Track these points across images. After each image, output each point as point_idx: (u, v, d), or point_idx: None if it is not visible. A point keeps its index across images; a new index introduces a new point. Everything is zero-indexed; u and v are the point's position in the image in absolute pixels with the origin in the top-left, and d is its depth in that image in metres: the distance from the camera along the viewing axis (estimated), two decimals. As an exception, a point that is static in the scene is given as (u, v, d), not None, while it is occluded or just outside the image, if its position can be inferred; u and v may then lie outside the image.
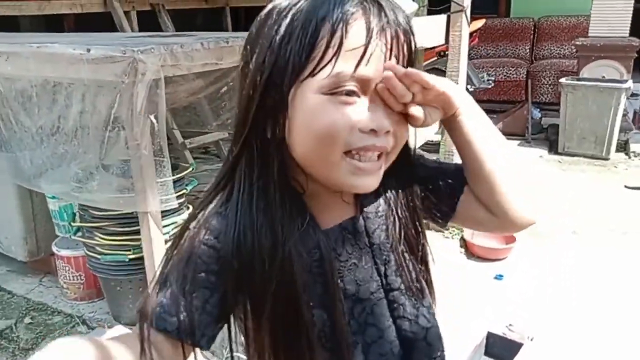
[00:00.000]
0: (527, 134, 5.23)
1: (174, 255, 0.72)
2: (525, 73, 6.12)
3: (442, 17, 2.95)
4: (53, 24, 4.52)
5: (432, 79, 0.70)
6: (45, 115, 2.20)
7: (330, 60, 0.65)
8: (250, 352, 0.75)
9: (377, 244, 0.79)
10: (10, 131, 2.31)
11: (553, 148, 4.95)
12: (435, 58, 4.27)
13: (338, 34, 0.65)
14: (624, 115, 4.83)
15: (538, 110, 5.64)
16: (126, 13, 4.39)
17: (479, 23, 4.57)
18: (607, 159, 4.66)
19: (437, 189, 0.83)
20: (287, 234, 0.70)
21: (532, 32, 6.69)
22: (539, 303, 2.56)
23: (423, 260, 0.83)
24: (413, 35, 0.71)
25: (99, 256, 2.31)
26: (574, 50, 5.17)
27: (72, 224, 2.47)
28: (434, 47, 3.65)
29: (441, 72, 3.66)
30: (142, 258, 2.15)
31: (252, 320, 0.73)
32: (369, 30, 0.66)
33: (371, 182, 0.72)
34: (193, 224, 0.74)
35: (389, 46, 0.67)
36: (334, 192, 0.76)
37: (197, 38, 2.22)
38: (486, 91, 5.06)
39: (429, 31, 2.83)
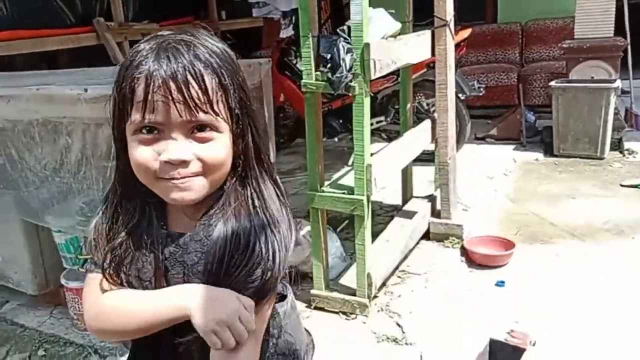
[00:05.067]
0: (522, 138, 5.29)
1: None
2: (516, 77, 6.19)
3: (427, 32, 3.02)
4: (47, 58, 4.59)
5: None
6: (48, 153, 2.27)
7: (130, 111, 0.85)
8: None
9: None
10: (16, 170, 2.38)
11: (548, 151, 4.99)
12: (425, 70, 4.32)
13: (132, 90, 0.84)
14: (616, 114, 4.87)
15: (532, 113, 5.69)
16: (119, 44, 4.47)
17: (466, 33, 4.62)
18: (602, 159, 4.70)
19: None
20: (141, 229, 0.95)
21: (520, 36, 6.77)
22: (541, 307, 2.60)
23: None
24: (216, 73, 0.86)
25: (106, 287, 2.36)
26: (563, 52, 5.24)
27: (79, 256, 2.53)
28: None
29: (431, 83, 3.72)
30: (149, 286, 2.20)
31: None
32: (148, 85, 0.83)
33: (186, 195, 0.88)
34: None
35: (171, 95, 0.83)
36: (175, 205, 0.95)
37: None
38: (479, 97, 5.11)
39: (415, 47, 2.90)
